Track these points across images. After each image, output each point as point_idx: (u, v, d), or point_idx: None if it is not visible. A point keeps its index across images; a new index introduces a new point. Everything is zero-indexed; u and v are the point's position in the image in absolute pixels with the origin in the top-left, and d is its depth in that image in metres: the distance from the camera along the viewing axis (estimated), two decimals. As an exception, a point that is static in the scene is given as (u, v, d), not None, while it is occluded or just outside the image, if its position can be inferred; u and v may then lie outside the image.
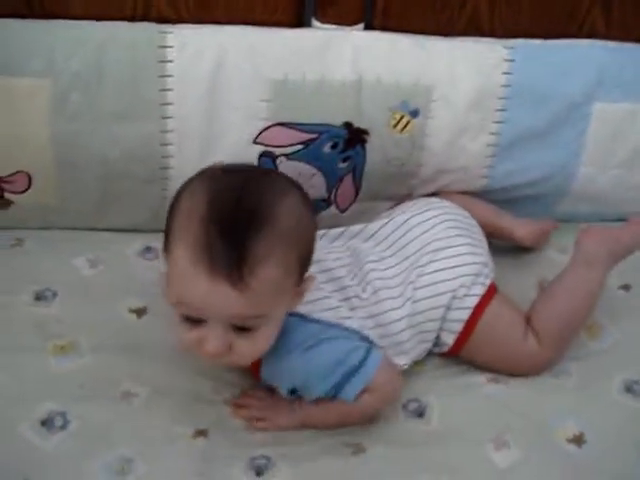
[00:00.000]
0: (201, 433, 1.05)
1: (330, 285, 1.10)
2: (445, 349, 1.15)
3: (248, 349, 0.97)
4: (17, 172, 1.22)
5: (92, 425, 1.04)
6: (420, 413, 1.11)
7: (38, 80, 1.16)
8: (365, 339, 1.08)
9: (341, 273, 1.12)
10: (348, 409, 1.05)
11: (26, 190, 1.23)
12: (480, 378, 1.16)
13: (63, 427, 1.03)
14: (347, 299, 1.10)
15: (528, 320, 1.16)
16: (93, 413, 1.05)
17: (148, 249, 1.29)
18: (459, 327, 1.13)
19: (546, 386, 1.15)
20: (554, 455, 1.07)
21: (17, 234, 1.27)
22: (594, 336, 1.23)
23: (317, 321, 1.06)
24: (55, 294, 1.19)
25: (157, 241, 1.27)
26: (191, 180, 1.00)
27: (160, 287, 0.99)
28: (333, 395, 1.04)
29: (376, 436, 1.08)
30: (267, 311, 0.95)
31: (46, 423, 1.03)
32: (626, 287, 1.31)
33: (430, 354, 1.17)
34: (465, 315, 1.13)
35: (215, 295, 0.92)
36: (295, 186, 1.02)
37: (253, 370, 1.09)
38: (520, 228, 1.29)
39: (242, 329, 0.95)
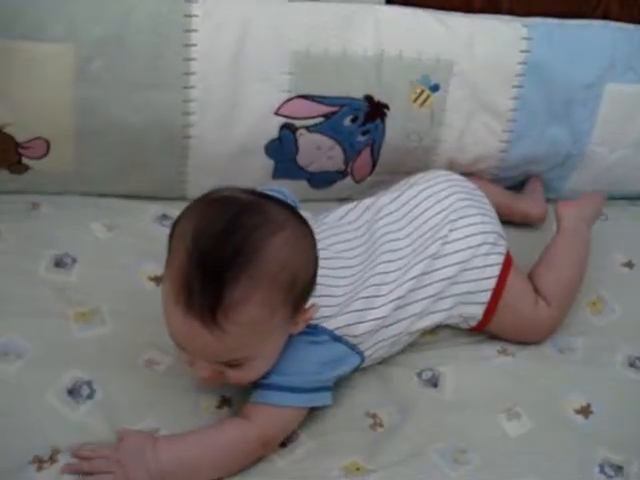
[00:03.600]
0: (225, 402, 1.06)
1: (340, 272, 1.10)
2: (474, 323, 1.18)
3: (240, 375, 0.97)
4: (36, 138, 1.21)
5: (117, 395, 1.04)
6: (434, 383, 1.13)
7: (59, 46, 1.16)
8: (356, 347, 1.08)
9: (351, 255, 1.12)
10: (218, 433, 0.98)
11: (44, 156, 1.22)
12: (490, 349, 1.19)
13: (90, 396, 1.03)
14: (354, 283, 1.10)
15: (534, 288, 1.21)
16: (118, 382, 1.05)
17: (164, 216, 1.29)
18: (486, 297, 1.16)
19: (552, 360, 1.19)
20: (563, 426, 1.10)
21: (32, 198, 1.27)
22: (597, 311, 1.27)
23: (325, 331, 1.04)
24: (74, 260, 1.19)
25: (173, 208, 1.28)
26: (191, 205, 0.97)
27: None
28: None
29: (392, 406, 1.10)
30: (250, 352, 0.94)
31: (73, 392, 1.03)
32: (630, 264, 1.34)
33: (440, 326, 1.19)
34: (491, 285, 1.15)
35: (192, 336, 0.92)
36: (291, 221, 0.96)
37: None
38: (535, 208, 1.34)
39: (231, 365, 0.95)
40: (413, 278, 1.12)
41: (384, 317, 1.09)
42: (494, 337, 1.20)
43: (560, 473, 1.04)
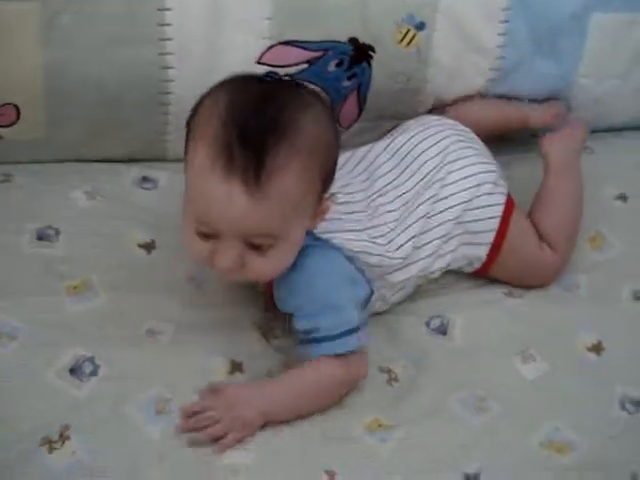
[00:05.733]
0: (237, 367, 1.02)
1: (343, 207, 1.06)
2: (478, 265, 1.15)
3: (261, 266, 0.94)
4: (4, 104, 1.14)
5: (122, 368, 0.99)
6: (443, 331, 1.11)
7: (25, 4, 1.08)
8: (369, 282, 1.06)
9: (355, 197, 1.09)
10: (312, 378, 0.99)
11: (14, 123, 1.15)
12: (496, 293, 1.17)
13: (94, 373, 0.98)
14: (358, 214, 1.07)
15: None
16: (121, 355, 1.01)
17: (145, 179, 1.23)
18: (490, 238, 1.13)
19: (559, 298, 1.18)
20: (577, 365, 1.09)
21: (5, 169, 1.20)
22: (597, 247, 1.25)
23: (325, 243, 1.01)
24: (58, 232, 1.13)
25: (154, 170, 1.25)
26: (214, 87, 0.96)
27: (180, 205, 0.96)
28: (307, 336, 1.00)
29: (405, 359, 1.07)
30: (281, 230, 0.92)
31: (75, 371, 0.98)
32: (623, 197, 1.32)
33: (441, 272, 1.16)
34: (494, 225, 1.13)
35: (229, 202, 0.89)
36: (320, 100, 0.99)
37: (269, 297, 1.06)
38: (533, 112, 1.30)
39: (255, 248, 0.92)
40: (417, 220, 1.09)
41: (402, 258, 1.07)
42: (497, 281, 1.18)
43: (583, 414, 1.03)
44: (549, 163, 1.23)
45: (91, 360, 0.99)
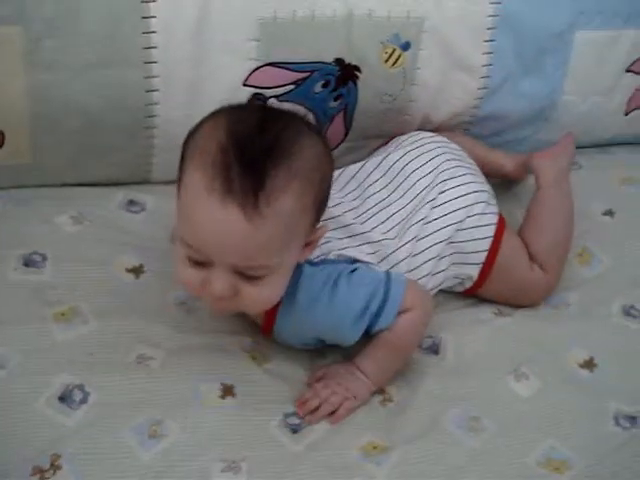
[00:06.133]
0: (228, 391, 1.01)
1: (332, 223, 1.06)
2: (469, 285, 1.15)
3: (255, 295, 0.92)
4: (-12, 130, 1.12)
5: (113, 394, 0.98)
6: (435, 350, 1.10)
7: (7, 28, 1.07)
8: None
9: (346, 218, 1.08)
10: (397, 336, 1.02)
11: (-2, 148, 1.14)
12: (486, 312, 1.17)
13: (83, 400, 0.96)
14: (351, 236, 1.07)
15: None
16: (111, 382, 0.99)
17: (132, 202, 1.22)
18: (482, 258, 1.13)
19: (549, 316, 1.17)
20: (570, 382, 1.08)
21: (-12, 195, 1.18)
22: (586, 263, 1.25)
23: (323, 262, 1.01)
24: (44, 257, 1.11)
25: (140, 193, 1.24)
26: (213, 113, 0.95)
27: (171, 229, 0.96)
28: (367, 330, 1.01)
29: (398, 379, 1.06)
30: (277, 255, 0.90)
31: (65, 399, 0.96)
32: (610, 213, 1.33)
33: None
34: (486, 245, 1.12)
35: (225, 227, 0.87)
36: (314, 128, 0.98)
37: (265, 327, 1.04)
38: (510, 161, 1.30)
39: (249, 278, 0.91)
40: (408, 242, 1.09)
41: None
42: (487, 300, 1.18)
43: (578, 431, 1.02)
44: (539, 181, 1.23)
45: (81, 387, 0.97)
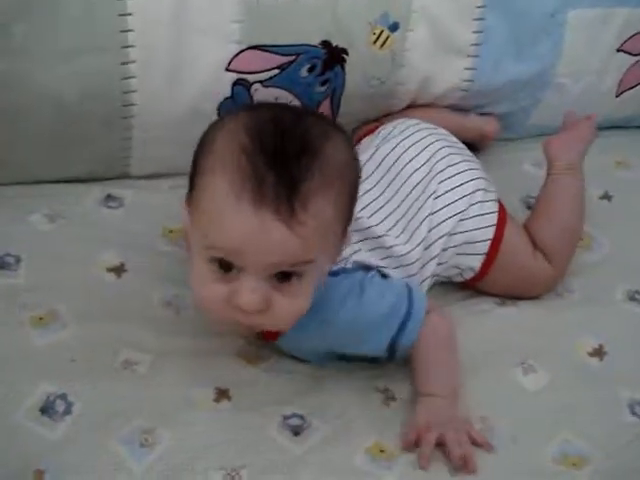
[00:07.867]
0: (223, 395, 0.95)
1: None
2: (470, 275, 1.09)
3: (288, 306, 0.85)
4: (-47, 124, 1.05)
5: (98, 403, 0.91)
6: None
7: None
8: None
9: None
10: (435, 340, 0.97)
11: (-36, 144, 1.07)
12: (489, 303, 1.12)
13: (67, 411, 0.90)
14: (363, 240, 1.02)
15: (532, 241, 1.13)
16: (95, 390, 0.92)
17: (109, 197, 1.15)
18: (485, 248, 1.08)
19: (554, 305, 1.13)
20: (580, 372, 1.04)
21: (-44, 195, 1.11)
22: (588, 248, 1.21)
23: (344, 270, 0.96)
24: (18, 259, 1.04)
25: (118, 188, 1.17)
26: (225, 116, 0.89)
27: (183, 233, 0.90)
28: (391, 346, 0.96)
29: (401, 376, 1.00)
30: (316, 255, 0.84)
31: (47, 410, 0.90)
32: (607, 196, 1.29)
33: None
34: (490, 234, 1.08)
35: (260, 232, 0.80)
36: (338, 127, 0.92)
37: (270, 334, 0.98)
38: (488, 123, 1.28)
39: (283, 278, 0.84)
40: (422, 240, 1.04)
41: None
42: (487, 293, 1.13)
43: (594, 423, 0.97)
44: (550, 166, 1.18)
45: (63, 397, 0.91)
